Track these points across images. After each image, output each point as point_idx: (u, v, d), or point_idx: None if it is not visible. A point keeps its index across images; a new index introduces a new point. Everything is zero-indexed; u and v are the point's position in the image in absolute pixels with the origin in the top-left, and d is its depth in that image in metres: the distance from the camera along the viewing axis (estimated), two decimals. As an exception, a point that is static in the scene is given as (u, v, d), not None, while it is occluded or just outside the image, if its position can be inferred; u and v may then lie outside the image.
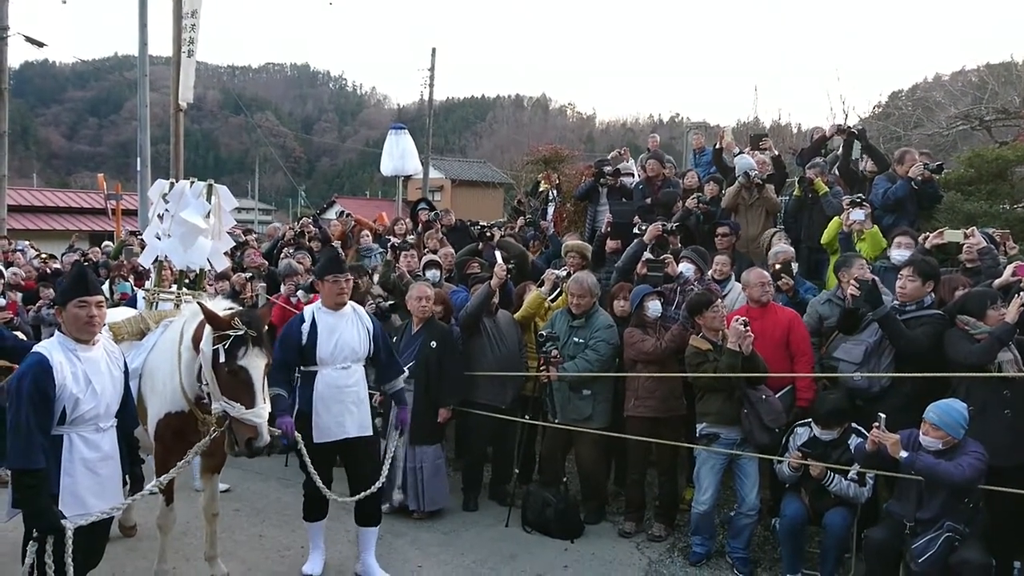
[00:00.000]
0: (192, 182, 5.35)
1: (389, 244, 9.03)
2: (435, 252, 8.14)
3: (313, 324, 4.74)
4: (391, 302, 6.77)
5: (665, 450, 5.70)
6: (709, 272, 6.52)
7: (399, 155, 15.49)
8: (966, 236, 5.69)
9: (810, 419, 5.00)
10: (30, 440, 3.25)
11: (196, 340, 4.04)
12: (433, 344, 5.92)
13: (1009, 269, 5.20)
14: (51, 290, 9.24)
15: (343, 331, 4.76)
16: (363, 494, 4.75)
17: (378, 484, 4.81)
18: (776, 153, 9.07)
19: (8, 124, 16.45)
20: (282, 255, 9.63)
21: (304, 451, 4.64)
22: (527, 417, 6.05)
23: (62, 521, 3.33)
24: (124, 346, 4.34)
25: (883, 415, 4.41)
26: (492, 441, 6.48)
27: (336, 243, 9.53)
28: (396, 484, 5.98)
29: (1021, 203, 8.29)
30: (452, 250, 8.32)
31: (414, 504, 5.98)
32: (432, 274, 7.26)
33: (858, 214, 6.46)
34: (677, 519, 5.94)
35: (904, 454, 4.24)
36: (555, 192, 11.28)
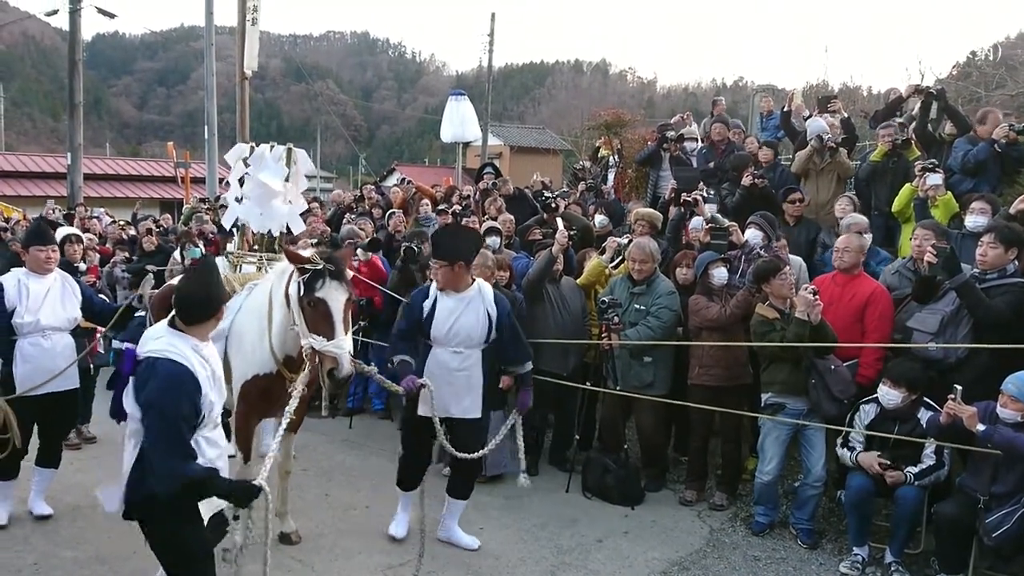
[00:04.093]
0: (272, 146, 5.38)
1: (451, 211, 9.08)
2: (495, 219, 8.13)
3: (434, 303, 4.68)
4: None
5: (729, 419, 5.63)
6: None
7: (459, 121, 15.44)
8: None
9: (875, 395, 4.84)
10: (186, 453, 3.09)
11: (287, 300, 4.08)
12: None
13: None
14: (126, 253, 9.57)
15: (462, 315, 4.65)
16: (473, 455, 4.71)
17: (478, 454, 4.73)
18: (845, 115, 8.75)
19: (82, 95, 17.01)
20: (344, 221, 9.78)
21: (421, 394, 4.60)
22: (588, 383, 6.04)
23: (255, 483, 3.25)
24: None
25: (959, 387, 4.26)
26: (553, 407, 6.50)
27: (397, 210, 9.61)
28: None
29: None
30: (511, 216, 8.30)
31: (475, 468, 6.05)
32: (492, 241, 7.25)
33: (934, 179, 6.21)
34: (739, 489, 5.90)
35: (981, 427, 4.09)
36: (616, 157, 11.13)
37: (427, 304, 4.69)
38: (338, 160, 65.41)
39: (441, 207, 9.70)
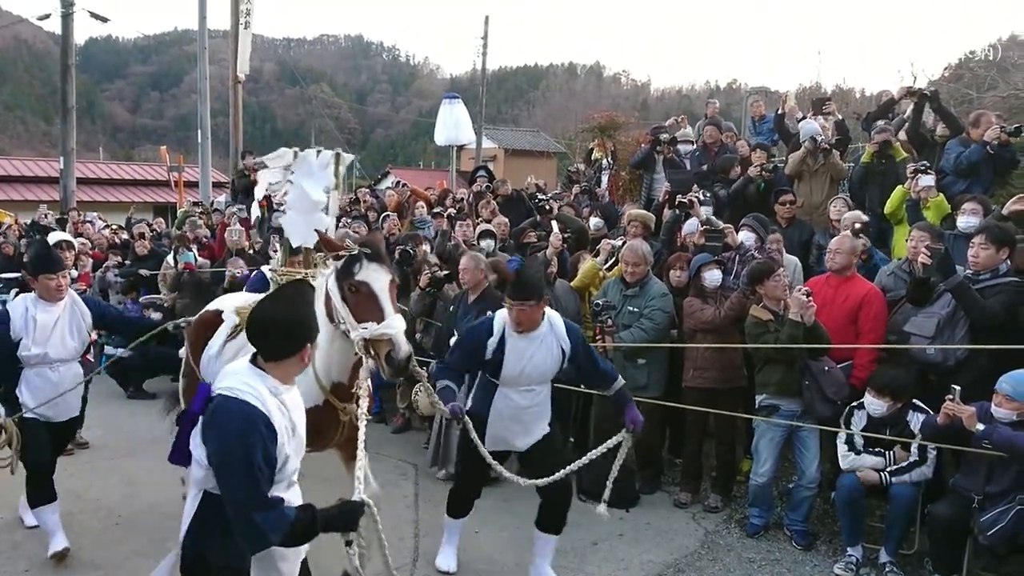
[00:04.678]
0: (319, 151, 4.89)
1: (446, 214, 9.08)
2: (489, 221, 8.14)
3: (501, 342, 4.27)
4: (446, 272, 6.80)
5: (723, 421, 5.63)
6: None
7: (452, 124, 15.46)
8: None
9: (863, 400, 4.86)
10: (266, 504, 2.65)
11: (328, 310, 3.68)
12: (490, 314, 5.92)
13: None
14: (119, 257, 9.53)
15: (534, 355, 4.28)
16: (547, 479, 4.33)
17: (561, 473, 4.33)
18: (839, 118, 8.78)
19: (75, 99, 16.97)
20: (340, 224, 9.77)
21: (471, 427, 4.30)
22: (582, 386, 6.03)
23: (357, 500, 3.02)
24: None
25: (957, 387, 4.27)
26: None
27: (392, 213, 9.60)
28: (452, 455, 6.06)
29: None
30: (506, 219, 8.31)
31: (470, 471, 6.04)
32: (487, 243, 7.26)
33: (926, 180, 6.23)
34: (734, 490, 5.90)
35: (980, 427, 4.11)
36: (609, 160, 11.15)
37: (492, 343, 4.27)
38: (332, 164, 65.22)
39: (436, 210, 9.70)
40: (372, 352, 3.50)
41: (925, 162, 6.54)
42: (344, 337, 3.62)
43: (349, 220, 9.73)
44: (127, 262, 9.61)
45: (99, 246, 10.39)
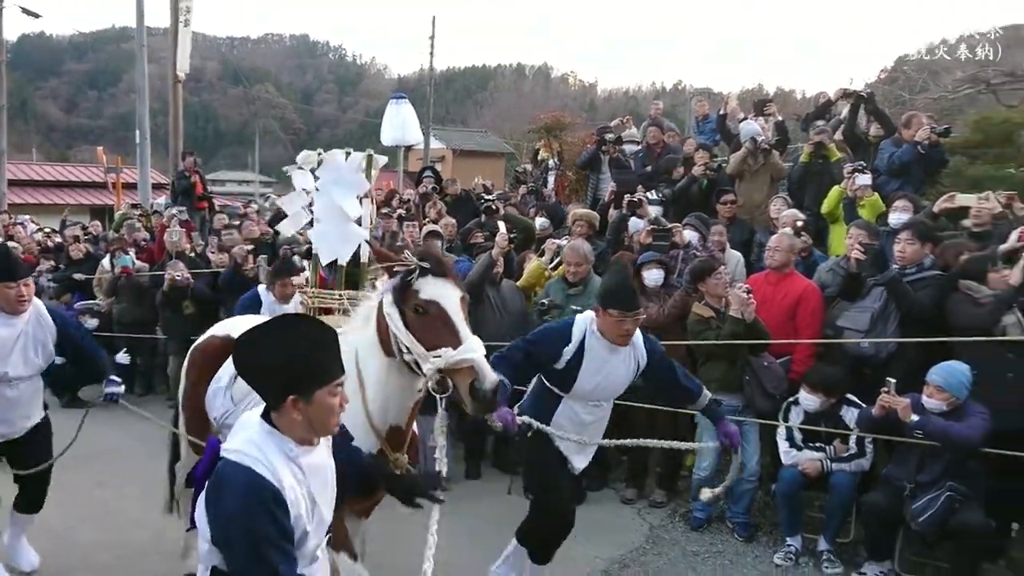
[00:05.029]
0: (348, 153, 4.24)
1: (394, 215, 9.03)
2: (436, 222, 8.11)
3: (579, 352, 3.83)
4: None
5: (667, 417, 5.69)
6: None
7: (399, 125, 15.22)
8: (980, 200, 5.64)
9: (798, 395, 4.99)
10: None
11: (383, 339, 3.11)
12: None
13: (1015, 234, 5.12)
14: (52, 261, 9.23)
15: (612, 371, 3.91)
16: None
17: (631, 442, 4.22)
18: (779, 119, 8.98)
19: (6, 98, 16.41)
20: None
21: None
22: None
23: None
24: None
25: (892, 380, 4.41)
26: (494, 410, 6.47)
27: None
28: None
29: (1027, 167, 8.22)
30: (453, 220, 8.29)
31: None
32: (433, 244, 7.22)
33: (863, 179, 6.43)
34: (678, 485, 5.98)
35: (915, 417, 4.25)
36: (556, 160, 11.21)
37: (568, 351, 3.84)
38: (278, 164, 64.21)
39: (383, 211, 9.61)
40: (450, 383, 2.93)
41: (862, 162, 6.74)
42: (405, 370, 3.07)
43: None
44: (61, 266, 9.31)
45: (30, 250, 10.05)
